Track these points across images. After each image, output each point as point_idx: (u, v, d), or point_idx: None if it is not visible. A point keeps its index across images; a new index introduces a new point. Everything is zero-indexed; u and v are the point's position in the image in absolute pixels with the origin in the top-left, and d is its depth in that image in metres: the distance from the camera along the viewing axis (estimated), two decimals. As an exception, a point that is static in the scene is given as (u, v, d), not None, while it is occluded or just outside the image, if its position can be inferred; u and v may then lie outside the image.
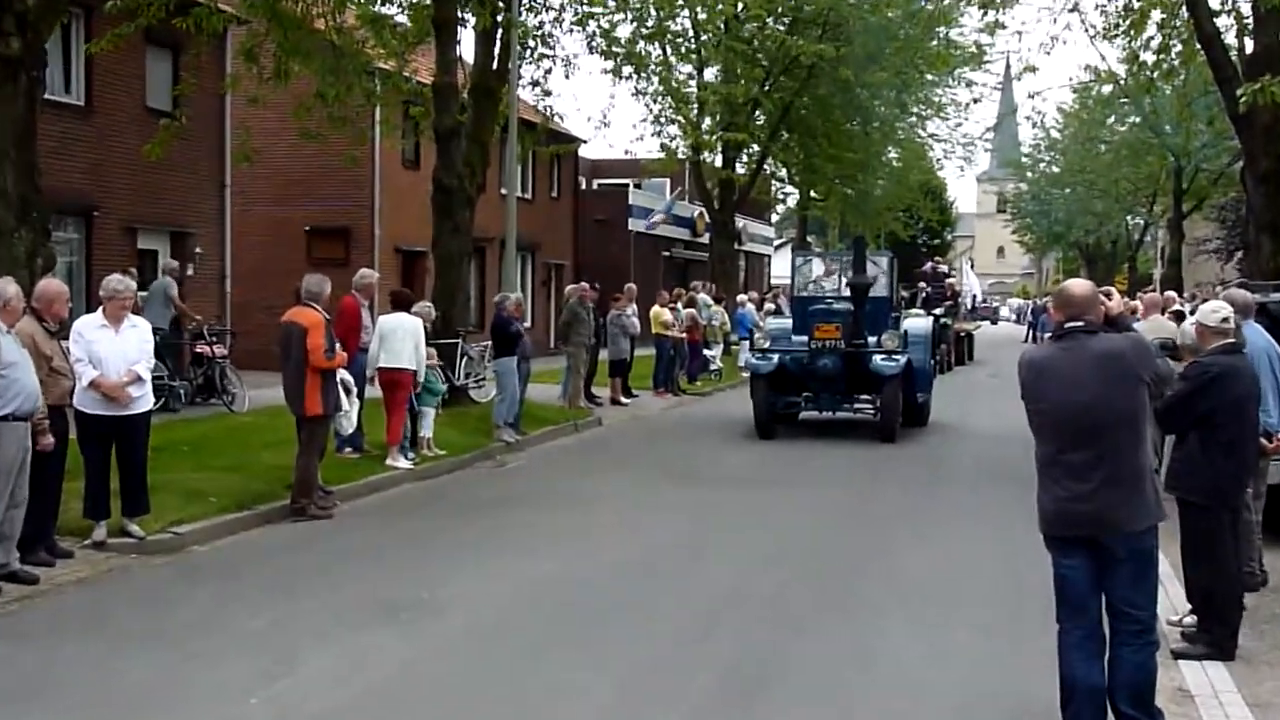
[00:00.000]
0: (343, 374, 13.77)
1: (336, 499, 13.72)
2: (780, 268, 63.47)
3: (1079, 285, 6.42)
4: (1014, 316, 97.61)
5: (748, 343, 27.13)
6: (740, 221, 47.12)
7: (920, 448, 20.00)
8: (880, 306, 21.41)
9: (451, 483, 15.90)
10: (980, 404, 27.00)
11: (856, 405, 21.46)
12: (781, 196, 56.77)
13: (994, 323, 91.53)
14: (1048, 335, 6.60)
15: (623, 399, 26.31)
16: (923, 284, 37.68)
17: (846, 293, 21.23)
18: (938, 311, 33.33)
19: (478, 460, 17.62)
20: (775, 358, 20.85)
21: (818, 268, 23.22)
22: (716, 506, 14.43)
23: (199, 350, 22.14)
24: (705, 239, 46.87)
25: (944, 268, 43.39)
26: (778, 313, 27.43)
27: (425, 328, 16.69)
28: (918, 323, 23.94)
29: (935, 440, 21.02)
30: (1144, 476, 6.24)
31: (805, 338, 20.96)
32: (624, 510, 14.17)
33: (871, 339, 20.69)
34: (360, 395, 14.76)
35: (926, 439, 21.10)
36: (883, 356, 20.45)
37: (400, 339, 15.93)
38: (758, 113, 38.80)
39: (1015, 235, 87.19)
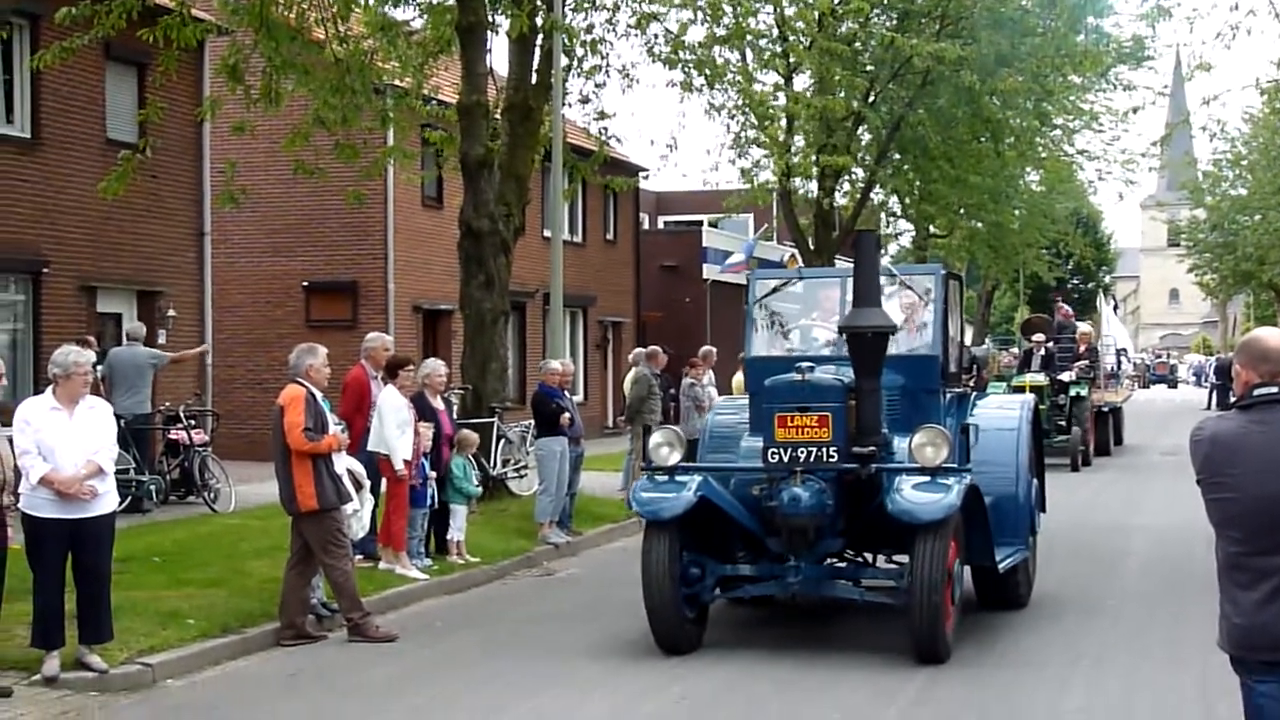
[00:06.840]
0: (351, 463, 12.27)
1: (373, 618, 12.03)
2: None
3: (1275, 336, 5.50)
4: (1193, 378, 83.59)
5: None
6: (843, 264, 41.26)
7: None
8: (919, 374, 11.91)
9: (486, 597, 14.37)
10: (1148, 501, 21.24)
11: (865, 579, 11.58)
12: (894, 233, 46.17)
13: (1172, 386, 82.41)
14: (1234, 404, 5.59)
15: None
16: (1040, 337, 29.28)
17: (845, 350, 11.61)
18: (1066, 376, 27.00)
19: (518, 568, 15.89)
20: (692, 485, 10.95)
21: (795, 298, 12.97)
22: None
23: (173, 437, 19.59)
24: (798, 288, 41.14)
25: (1066, 310, 33.88)
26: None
27: (449, 400, 16.00)
28: (999, 406, 13.64)
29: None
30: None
31: (758, 440, 11.32)
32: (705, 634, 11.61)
33: (897, 441, 11.24)
34: (375, 490, 13.52)
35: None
36: (917, 483, 10.66)
37: (379, 417, 14.05)
38: (861, 129, 32.44)
39: (1192, 274, 69.42)
